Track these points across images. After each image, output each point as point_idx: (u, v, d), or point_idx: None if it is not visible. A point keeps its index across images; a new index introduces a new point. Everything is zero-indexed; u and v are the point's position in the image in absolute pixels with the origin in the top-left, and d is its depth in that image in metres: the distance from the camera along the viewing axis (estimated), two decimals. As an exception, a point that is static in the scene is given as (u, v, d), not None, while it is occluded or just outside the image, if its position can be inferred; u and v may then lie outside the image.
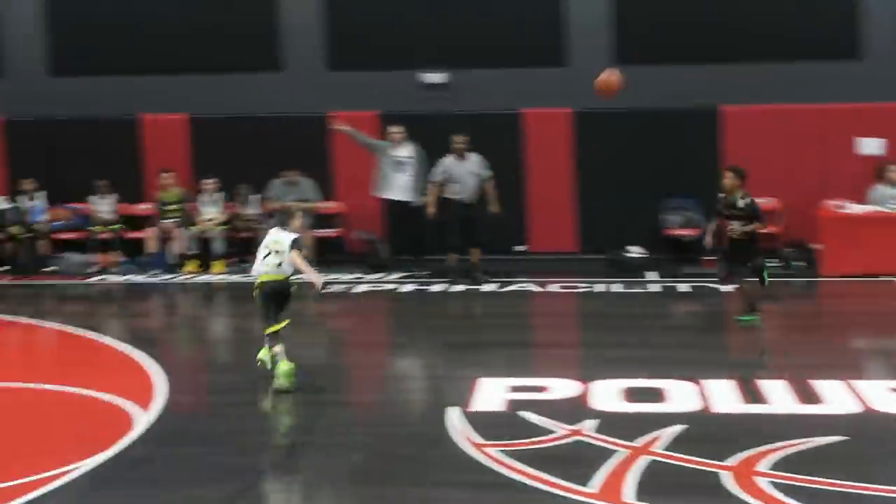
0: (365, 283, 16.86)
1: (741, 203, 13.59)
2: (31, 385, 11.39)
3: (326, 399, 11.03)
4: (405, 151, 17.84)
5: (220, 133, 18.94)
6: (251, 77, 19.54)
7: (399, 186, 17.77)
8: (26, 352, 14.05)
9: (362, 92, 19.25)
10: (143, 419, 10.07)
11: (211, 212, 18.62)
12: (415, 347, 13.38)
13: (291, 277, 11.38)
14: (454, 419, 9.86)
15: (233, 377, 12.07)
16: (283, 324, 11.29)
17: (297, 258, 11.26)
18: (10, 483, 8.45)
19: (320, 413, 10.58)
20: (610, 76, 13.08)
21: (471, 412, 10.07)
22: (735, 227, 13.64)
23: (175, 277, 17.69)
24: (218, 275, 17.75)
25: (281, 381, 10.93)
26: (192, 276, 17.81)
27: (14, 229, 18.43)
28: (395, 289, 16.54)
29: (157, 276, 17.81)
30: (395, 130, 17.95)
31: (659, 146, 18.70)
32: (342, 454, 9.26)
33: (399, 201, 17.78)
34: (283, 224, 11.59)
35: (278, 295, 11.31)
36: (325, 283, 11.88)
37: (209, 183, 18.64)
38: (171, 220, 18.50)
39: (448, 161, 17.23)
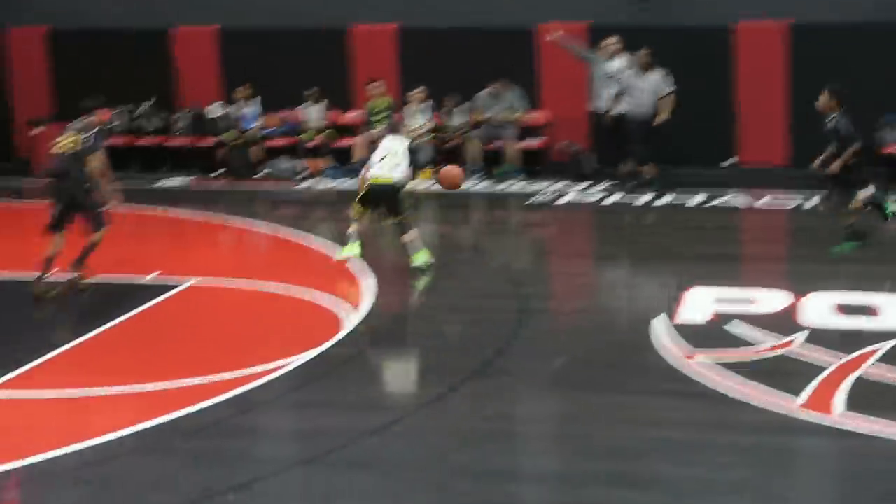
0: (569, 194, 16.79)
1: (829, 125, 12.85)
2: (245, 285, 11.74)
3: (532, 306, 11.08)
4: (618, 64, 17.59)
5: (429, 44, 18.95)
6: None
7: (608, 98, 17.55)
8: (240, 252, 14.47)
9: (573, 3, 18.99)
10: (350, 320, 10.30)
11: (418, 122, 18.74)
12: (620, 258, 13.29)
13: (401, 182, 12.08)
14: (660, 329, 9.80)
15: (437, 282, 12.22)
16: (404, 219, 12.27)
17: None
18: (225, 375, 8.78)
19: (525, 319, 10.65)
20: (452, 171, 12.93)
21: (677, 322, 10.00)
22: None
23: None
24: (422, 183, 17.91)
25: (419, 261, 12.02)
26: (396, 184, 17.98)
27: (228, 135, 18.90)
28: (600, 200, 16.43)
29: (364, 183, 18.03)
30: (610, 42, 17.69)
31: (876, 61, 18.00)
32: (545, 360, 9.32)
33: (606, 114, 17.57)
34: (396, 131, 12.50)
35: (385, 196, 12.05)
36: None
37: (417, 93, 18.74)
38: (377, 130, 18.68)
39: (627, 74, 17.04)
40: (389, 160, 12.23)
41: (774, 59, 18.19)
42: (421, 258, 12.11)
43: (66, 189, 11.63)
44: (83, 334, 9.90)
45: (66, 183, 11.64)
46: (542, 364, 9.27)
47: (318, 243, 13.83)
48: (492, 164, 18.29)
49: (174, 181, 18.38)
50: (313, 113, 19.19)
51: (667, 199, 16.33)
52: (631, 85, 16.86)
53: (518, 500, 6.97)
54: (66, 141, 11.71)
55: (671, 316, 10.17)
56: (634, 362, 9.23)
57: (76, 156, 11.61)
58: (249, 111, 19.14)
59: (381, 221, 12.51)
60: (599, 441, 7.61)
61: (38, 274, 11.44)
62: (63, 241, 11.60)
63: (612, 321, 10.76)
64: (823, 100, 12.97)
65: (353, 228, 12.08)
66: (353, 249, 12.04)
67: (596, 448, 7.51)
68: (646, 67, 16.85)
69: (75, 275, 11.64)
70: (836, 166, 12.70)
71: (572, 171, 17.94)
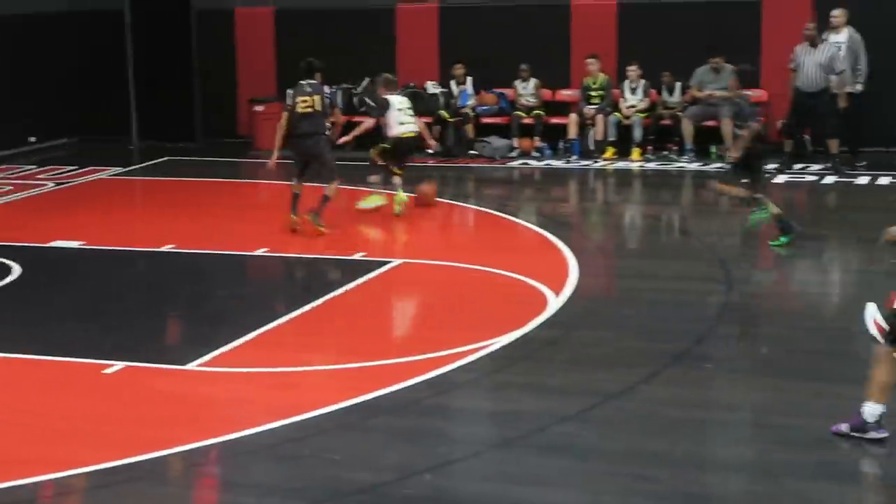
0: (785, 174, 16.40)
1: None
2: (453, 263, 11.86)
3: (737, 290, 10.89)
4: (840, 37, 17.04)
5: (648, 19, 18.73)
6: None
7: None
8: (449, 231, 14.62)
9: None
10: (554, 301, 10.30)
11: (633, 99, 18.58)
12: (833, 240, 12.93)
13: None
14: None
15: (641, 264, 12.12)
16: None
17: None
18: (427, 355, 8.90)
19: (730, 303, 10.48)
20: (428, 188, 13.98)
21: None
22: None
23: (593, 163, 17.84)
24: (636, 162, 17.76)
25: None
26: (609, 162, 17.91)
27: (443, 113, 19.08)
28: (817, 180, 16.00)
29: (575, 162, 18.02)
30: (836, 14, 17.15)
31: None
32: (748, 346, 9.16)
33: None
34: (390, 90, 14.39)
35: (411, 148, 14.24)
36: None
37: (633, 69, 18.57)
38: (594, 106, 18.61)
39: (798, 48, 16.60)
40: (409, 116, 14.30)
41: None
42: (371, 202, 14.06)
43: (309, 146, 13.16)
44: (291, 311, 10.16)
45: (309, 141, 13.15)
46: (745, 350, 9.11)
47: (525, 223, 13.86)
48: (706, 142, 17.98)
49: (389, 159, 18.63)
50: (527, 90, 19.20)
51: (885, 180, 15.79)
52: (799, 60, 16.41)
53: (715, 491, 6.88)
54: (311, 100, 13.17)
55: (887, 301, 9.82)
56: (842, 350, 8.99)
57: (318, 114, 13.20)
58: (464, 89, 19.28)
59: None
60: (801, 431, 7.44)
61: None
62: (301, 188, 13.24)
63: (820, 306, 10.50)
64: None
65: (375, 178, 14.28)
66: (376, 200, 14.14)
67: (797, 438, 7.35)
68: (812, 41, 16.44)
69: (315, 221, 12.96)
70: None
71: (790, 150, 17.51)
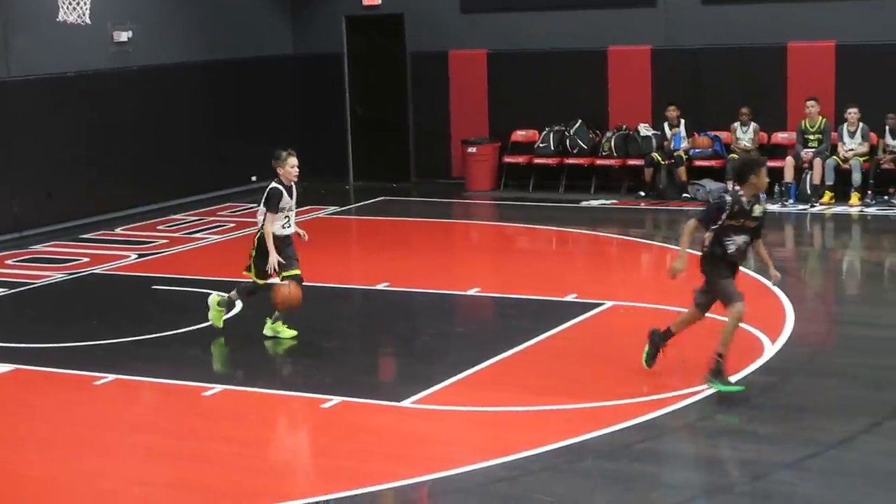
0: None
1: None
2: (662, 307, 11.75)
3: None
4: None
5: (868, 60, 18.29)
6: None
7: None
8: (659, 275, 14.45)
9: None
10: (771, 347, 10.13)
11: (852, 142, 18.15)
12: None
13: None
14: None
15: (860, 310, 11.83)
16: None
17: (264, 225, 10.89)
18: (636, 400, 8.85)
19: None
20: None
21: None
22: None
23: (810, 207, 17.47)
24: (854, 207, 17.32)
25: None
26: (827, 206, 17.51)
27: (655, 155, 18.98)
28: None
29: (791, 206, 17.68)
30: None
31: None
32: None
33: None
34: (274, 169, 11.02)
35: None
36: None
37: (852, 112, 18.15)
38: (811, 150, 18.25)
39: None
40: None
41: None
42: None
43: None
44: (502, 352, 10.24)
45: None
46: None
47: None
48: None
49: (600, 201, 18.63)
50: (743, 134, 18.96)
51: None
52: None
53: (937, 547, 6.65)
54: None
55: None
56: None
57: None
58: (677, 132, 19.15)
59: None
60: None
61: None
62: None
63: None
64: None
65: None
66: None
67: None
68: None
69: None
70: None
71: None
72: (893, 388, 9.19)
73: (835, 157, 18.08)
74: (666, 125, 19.29)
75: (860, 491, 7.26)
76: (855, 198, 17.57)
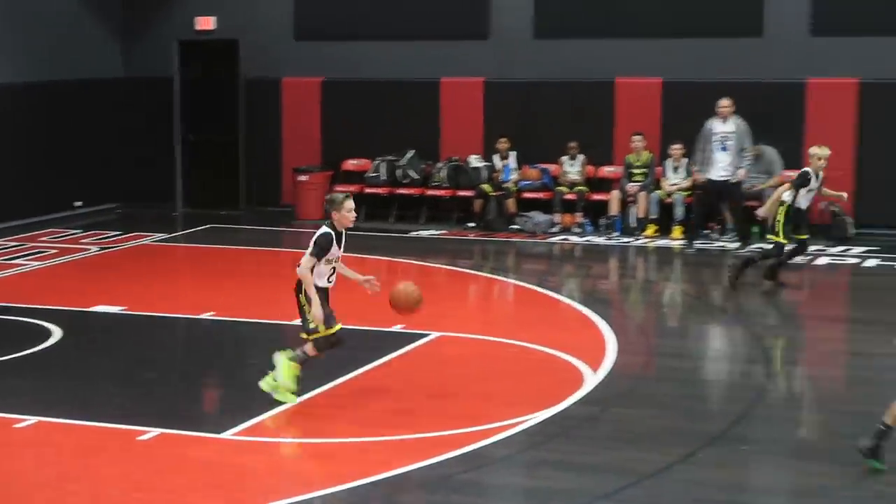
0: (826, 256, 16.34)
1: None
2: (491, 338, 11.85)
3: (779, 371, 10.85)
4: (729, 126, 17.12)
5: (693, 98, 18.74)
6: (728, 42, 19.23)
7: (719, 164, 17.13)
8: (487, 305, 14.62)
9: (844, 58, 18.52)
10: (592, 378, 10.27)
11: (675, 177, 18.59)
12: (872, 324, 12.82)
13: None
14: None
15: (680, 342, 12.08)
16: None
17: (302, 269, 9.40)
18: (460, 431, 8.87)
19: (771, 384, 10.41)
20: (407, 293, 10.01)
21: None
22: None
23: (634, 240, 17.83)
24: (676, 241, 17.74)
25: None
26: (650, 239, 17.90)
27: (485, 186, 19.15)
28: (859, 263, 15.92)
29: (616, 238, 18.03)
30: (724, 104, 17.20)
31: None
32: (788, 428, 9.09)
33: (719, 180, 17.14)
34: (327, 213, 9.64)
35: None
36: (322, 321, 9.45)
37: (676, 148, 18.59)
38: (636, 184, 18.63)
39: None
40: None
41: None
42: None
43: None
44: (326, 383, 10.17)
45: None
46: (785, 433, 9.05)
47: (564, 299, 13.85)
48: (750, 222, 17.94)
49: (430, 231, 18.72)
50: (571, 167, 19.26)
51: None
52: None
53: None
54: None
55: None
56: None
57: None
58: (507, 164, 19.36)
59: None
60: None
61: None
62: None
63: (861, 390, 10.39)
64: None
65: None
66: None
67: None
68: None
69: None
70: None
71: (832, 231, 17.48)
72: (708, 419, 9.41)
73: (659, 191, 18.50)
74: (497, 157, 19.50)
75: (674, 520, 7.40)
76: (677, 231, 17.99)
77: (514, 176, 19.33)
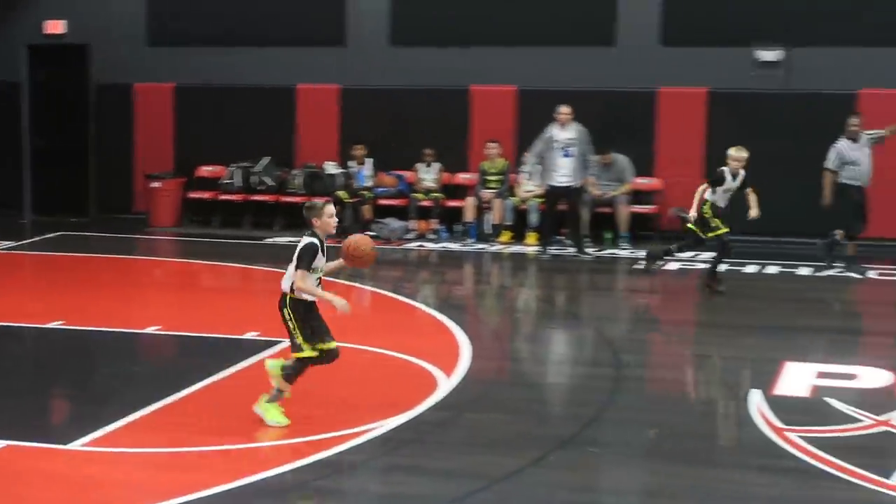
0: (676, 261, 16.67)
1: None
2: (346, 344, 11.80)
3: (628, 375, 11.01)
4: (570, 133, 17.39)
5: (547, 106, 18.97)
6: (581, 50, 19.53)
7: (562, 170, 17.36)
8: (341, 313, 14.54)
9: (693, 68, 18.95)
10: (445, 384, 10.30)
11: (531, 184, 18.79)
12: (721, 327, 13.13)
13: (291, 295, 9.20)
14: (756, 402, 9.65)
15: (533, 347, 12.20)
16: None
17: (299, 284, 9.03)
18: (314, 437, 8.82)
19: (620, 388, 10.56)
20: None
21: (774, 395, 9.85)
22: None
23: (489, 247, 17.98)
24: (531, 246, 17.93)
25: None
26: (505, 246, 18.07)
27: (341, 193, 19.14)
28: (707, 268, 16.25)
29: (471, 245, 18.16)
30: (564, 111, 17.44)
31: None
32: (637, 431, 9.23)
33: (561, 186, 17.37)
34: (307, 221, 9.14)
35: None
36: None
37: (526, 155, 18.81)
38: (492, 191, 18.79)
39: (842, 145, 16.41)
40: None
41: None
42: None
43: None
44: (178, 391, 10.03)
45: None
46: (634, 435, 9.18)
47: (419, 305, 13.90)
48: (601, 228, 18.24)
49: (286, 238, 18.62)
50: (427, 174, 19.34)
51: (774, 269, 16.16)
52: (848, 156, 16.30)
53: (596, 575, 6.88)
54: None
55: (769, 388, 10.02)
56: (728, 435, 9.13)
57: None
58: (362, 170, 19.37)
59: None
60: (684, 517, 7.50)
61: None
62: None
63: (708, 392, 10.64)
64: None
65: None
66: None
67: (680, 524, 7.41)
68: (854, 136, 16.37)
69: None
70: None
71: (681, 238, 17.83)
72: (559, 423, 9.52)
73: (513, 198, 18.68)
74: (353, 163, 19.49)
75: (526, 522, 7.46)
76: (532, 238, 18.19)
77: (368, 182, 19.34)
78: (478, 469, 8.33)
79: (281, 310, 9.18)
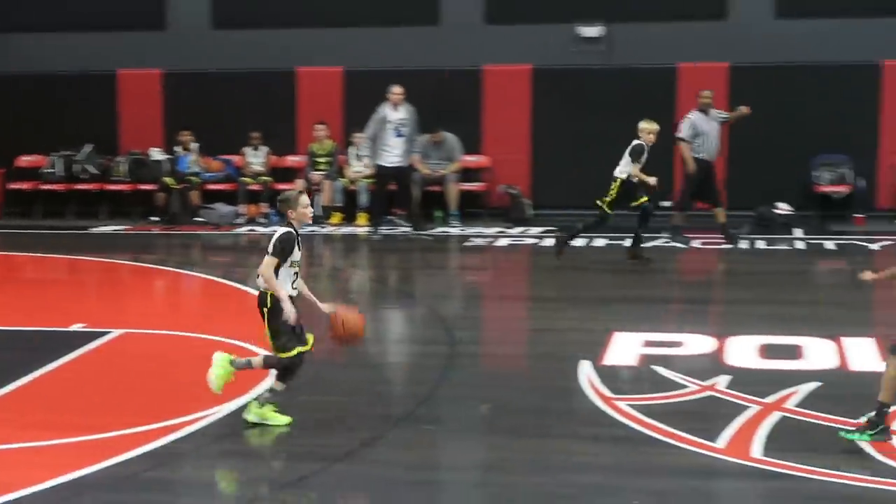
0: (506, 237, 16.85)
1: None
2: (175, 332, 11.65)
3: (461, 351, 11.08)
4: (402, 113, 17.59)
5: (375, 86, 18.97)
6: (407, 30, 19.56)
7: (394, 150, 17.57)
8: (173, 300, 14.38)
9: (517, 46, 19.13)
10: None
11: (359, 164, 18.77)
12: (551, 301, 13.32)
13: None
14: (586, 372, 9.80)
15: (368, 327, 12.16)
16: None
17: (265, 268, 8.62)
18: (145, 428, 8.68)
19: (454, 365, 10.62)
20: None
21: (603, 365, 10.02)
22: None
23: (320, 228, 17.91)
24: (362, 227, 17.91)
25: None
26: (336, 227, 18.02)
27: (167, 179, 18.84)
28: (536, 243, 16.48)
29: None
30: (396, 91, 17.59)
31: (813, 101, 18.23)
32: (471, 405, 9.30)
33: (392, 166, 17.55)
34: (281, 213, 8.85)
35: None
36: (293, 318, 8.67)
37: (360, 136, 18.77)
38: (321, 172, 18.71)
39: (695, 116, 16.69)
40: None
41: (717, 99, 18.15)
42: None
43: None
44: (1, 387, 9.76)
45: None
46: (468, 411, 9.24)
47: (251, 290, 13.74)
48: (432, 206, 18.33)
49: (112, 227, 18.27)
50: (255, 157, 19.16)
51: (602, 241, 16.44)
52: (700, 128, 16.45)
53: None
54: None
55: (598, 359, 10.19)
56: (560, 407, 9.22)
57: None
58: (188, 156, 19.11)
59: None
60: (520, 488, 7.56)
61: None
62: None
63: (540, 365, 10.76)
64: None
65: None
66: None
67: (517, 496, 7.46)
68: (706, 108, 16.60)
69: None
70: None
71: (511, 213, 18.04)
72: (394, 402, 9.54)
73: (343, 179, 18.63)
74: (179, 149, 19.20)
75: (362, 500, 7.45)
76: (362, 218, 18.17)
77: (194, 167, 19.07)
78: (313, 451, 8.29)
79: (261, 308, 8.81)
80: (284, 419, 8.78)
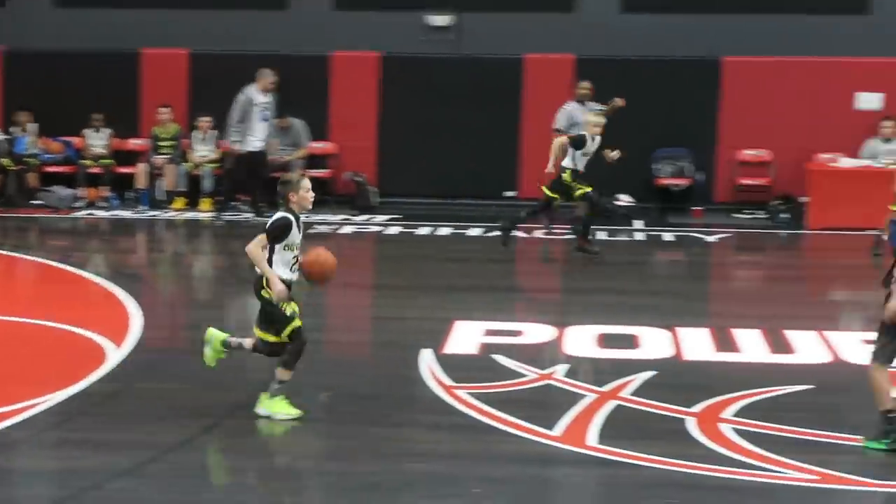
0: (351, 225, 16.83)
1: None
2: (8, 317, 11.37)
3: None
4: (269, 98, 17.54)
5: (220, 70, 18.72)
6: (255, 14, 19.38)
7: (259, 134, 17.46)
8: (5, 284, 14.03)
9: (366, 33, 19.10)
10: (115, 354, 10.06)
11: (204, 149, 18.54)
12: (394, 289, 13.35)
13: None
14: (427, 361, 9.85)
15: (210, 315, 12.05)
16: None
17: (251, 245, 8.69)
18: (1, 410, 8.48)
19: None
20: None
21: (444, 354, 10.08)
22: None
23: (162, 213, 17.66)
24: (205, 213, 17.71)
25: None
26: (179, 212, 17.78)
27: (4, 161, 18.36)
28: (381, 231, 16.50)
29: (143, 212, 17.78)
30: (270, 79, 17.48)
31: (656, 95, 18.58)
32: (311, 393, 9.26)
33: (257, 151, 17.44)
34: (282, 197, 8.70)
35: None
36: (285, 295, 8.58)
37: (205, 120, 18.54)
38: (164, 156, 18.44)
39: (571, 107, 16.68)
40: None
41: (562, 89, 18.27)
42: None
43: None
44: None
45: None
46: (308, 399, 9.20)
47: (89, 275, 13.51)
48: (275, 193, 18.17)
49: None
50: (96, 139, 18.79)
51: (446, 230, 16.53)
52: (577, 119, 16.26)
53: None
54: None
55: (439, 347, 10.24)
56: (400, 394, 9.25)
57: None
58: (25, 136, 18.65)
59: None
60: (357, 477, 7.56)
61: None
62: None
63: (382, 353, 10.79)
64: None
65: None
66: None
67: (353, 484, 7.46)
68: (584, 100, 16.54)
69: None
70: None
71: (357, 201, 18.03)
72: (231, 390, 9.42)
73: (186, 163, 18.39)
74: (17, 130, 18.73)
75: (199, 488, 7.38)
76: (206, 203, 17.95)
77: (32, 149, 18.63)
78: (150, 439, 8.18)
79: (258, 295, 8.69)
80: (295, 412, 8.61)
